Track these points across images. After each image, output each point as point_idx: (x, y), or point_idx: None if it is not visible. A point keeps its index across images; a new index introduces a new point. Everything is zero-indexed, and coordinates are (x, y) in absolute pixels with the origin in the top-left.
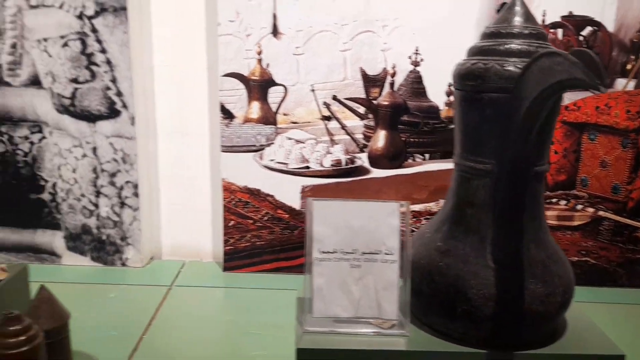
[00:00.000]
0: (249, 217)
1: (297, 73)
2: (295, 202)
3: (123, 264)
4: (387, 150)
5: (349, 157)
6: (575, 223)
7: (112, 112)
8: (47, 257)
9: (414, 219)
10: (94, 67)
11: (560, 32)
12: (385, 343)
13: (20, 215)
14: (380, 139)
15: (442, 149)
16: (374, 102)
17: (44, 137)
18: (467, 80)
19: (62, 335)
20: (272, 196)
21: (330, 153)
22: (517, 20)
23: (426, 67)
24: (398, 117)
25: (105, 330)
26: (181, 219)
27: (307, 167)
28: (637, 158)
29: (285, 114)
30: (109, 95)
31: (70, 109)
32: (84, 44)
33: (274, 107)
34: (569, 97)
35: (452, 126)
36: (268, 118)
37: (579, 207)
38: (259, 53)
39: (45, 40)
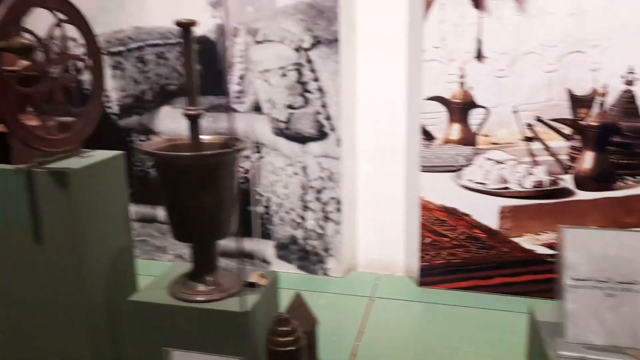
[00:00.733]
0: (445, 235)
1: (500, 95)
2: (492, 222)
3: (325, 274)
4: (595, 172)
5: (551, 178)
6: None
7: (321, 134)
8: (259, 263)
9: None
10: (307, 94)
11: None
12: None
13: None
14: (588, 160)
15: None
16: (582, 122)
17: (261, 157)
18: None
19: (313, 338)
20: (469, 215)
21: (532, 174)
22: None
23: None
24: (608, 137)
25: (325, 335)
26: (377, 234)
27: (507, 188)
28: None
29: (485, 135)
30: (318, 119)
31: (285, 131)
32: (299, 73)
33: (474, 128)
34: None
35: None
36: (468, 139)
37: None
38: (462, 77)
39: (267, 71)
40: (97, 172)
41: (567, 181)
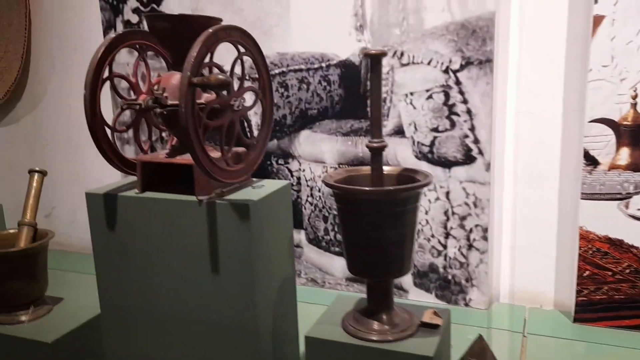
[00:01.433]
0: (607, 269)
1: None
2: None
3: (466, 304)
4: None
5: None
6: None
7: (468, 159)
8: (396, 291)
9: None
10: (454, 117)
11: None
12: None
13: None
14: None
15: None
16: None
17: None
18: None
19: None
20: (636, 247)
21: None
22: None
23: None
24: None
25: None
26: (523, 264)
27: None
28: None
29: None
30: (466, 142)
31: (428, 155)
32: (446, 95)
33: None
34: None
35: None
36: (638, 165)
37: None
38: (634, 97)
39: (411, 94)
40: (270, 203)
41: None
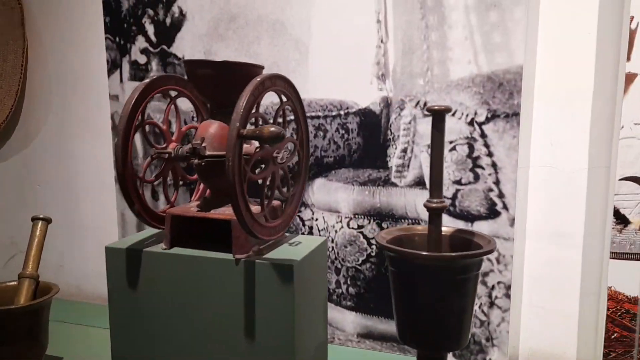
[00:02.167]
0: (637, 331)
1: None
2: None
3: None
4: None
5: None
6: None
7: (492, 213)
8: (409, 349)
9: None
10: (478, 170)
11: None
12: None
13: (389, 305)
14: None
15: None
16: None
17: None
18: None
19: None
20: None
21: None
22: None
23: None
24: None
25: None
26: (543, 324)
27: None
28: None
29: None
30: (490, 196)
31: (450, 208)
32: (471, 147)
33: None
34: None
35: None
36: None
37: None
38: None
39: None
40: (311, 262)
41: None
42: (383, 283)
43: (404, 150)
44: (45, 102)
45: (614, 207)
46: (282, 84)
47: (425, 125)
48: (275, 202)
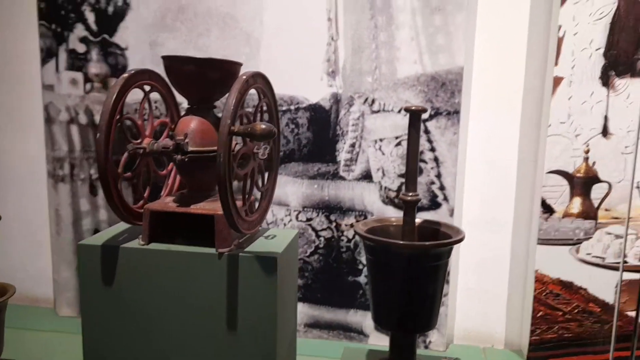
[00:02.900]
0: (559, 309)
1: (624, 171)
2: (608, 296)
3: (426, 347)
4: None
5: None
6: None
7: (433, 204)
8: (356, 335)
9: None
10: (421, 164)
11: None
12: None
13: (336, 295)
14: None
15: None
16: None
17: None
18: None
19: None
20: (584, 289)
21: None
22: None
23: None
24: None
25: None
26: (476, 306)
27: (625, 262)
28: None
29: (607, 210)
30: (432, 189)
31: (395, 200)
32: None
33: (595, 202)
34: None
35: None
36: (589, 213)
37: None
38: (587, 152)
39: (380, 140)
40: (288, 254)
41: None
42: (330, 274)
43: (352, 145)
44: None
45: (541, 198)
46: (262, 82)
47: (372, 121)
48: (253, 198)
